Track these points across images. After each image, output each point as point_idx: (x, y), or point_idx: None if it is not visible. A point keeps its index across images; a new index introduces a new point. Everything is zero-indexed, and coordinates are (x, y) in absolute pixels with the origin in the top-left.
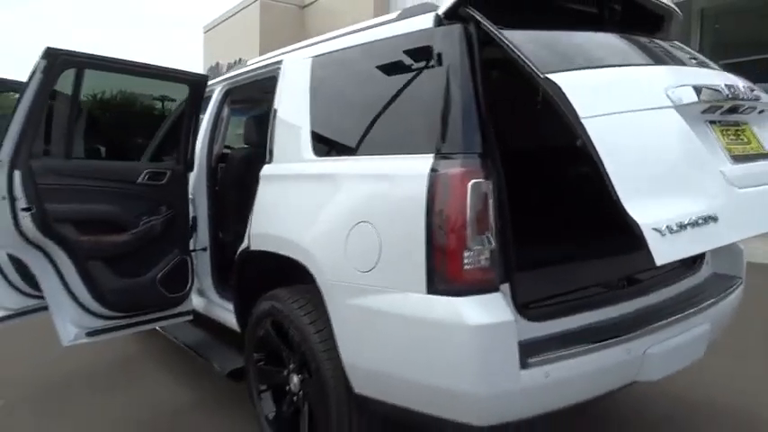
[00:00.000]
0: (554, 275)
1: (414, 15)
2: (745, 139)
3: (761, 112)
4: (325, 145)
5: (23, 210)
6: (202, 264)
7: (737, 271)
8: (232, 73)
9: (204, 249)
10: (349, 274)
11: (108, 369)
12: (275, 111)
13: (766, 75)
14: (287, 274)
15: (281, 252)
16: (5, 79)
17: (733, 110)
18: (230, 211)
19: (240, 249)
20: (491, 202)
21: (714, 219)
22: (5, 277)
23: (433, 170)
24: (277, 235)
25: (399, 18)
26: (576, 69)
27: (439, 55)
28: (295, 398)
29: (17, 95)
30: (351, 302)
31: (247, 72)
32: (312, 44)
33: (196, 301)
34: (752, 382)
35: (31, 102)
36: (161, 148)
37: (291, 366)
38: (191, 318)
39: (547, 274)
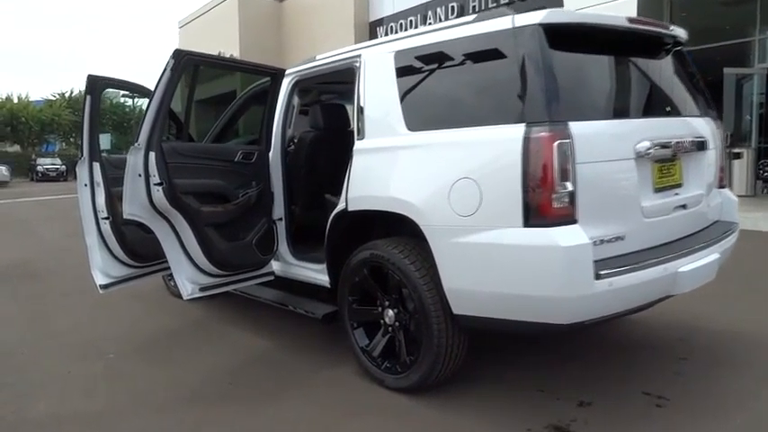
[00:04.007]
0: None
1: (490, 18)
2: (672, 173)
3: (693, 150)
4: (418, 121)
5: (156, 185)
6: (279, 232)
7: (734, 218)
8: (300, 66)
9: (280, 219)
10: (452, 219)
11: (188, 329)
12: (361, 96)
13: (728, 59)
14: (379, 228)
15: (385, 209)
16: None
17: (673, 156)
18: (303, 186)
19: (335, 212)
20: (570, 157)
21: (622, 238)
22: (109, 249)
23: (526, 135)
24: (379, 195)
25: (477, 20)
26: (586, 120)
27: (522, 48)
28: (390, 328)
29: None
30: (453, 240)
31: (318, 65)
32: (389, 41)
33: (274, 265)
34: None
35: (161, 94)
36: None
37: (387, 303)
38: (273, 278)
39: None
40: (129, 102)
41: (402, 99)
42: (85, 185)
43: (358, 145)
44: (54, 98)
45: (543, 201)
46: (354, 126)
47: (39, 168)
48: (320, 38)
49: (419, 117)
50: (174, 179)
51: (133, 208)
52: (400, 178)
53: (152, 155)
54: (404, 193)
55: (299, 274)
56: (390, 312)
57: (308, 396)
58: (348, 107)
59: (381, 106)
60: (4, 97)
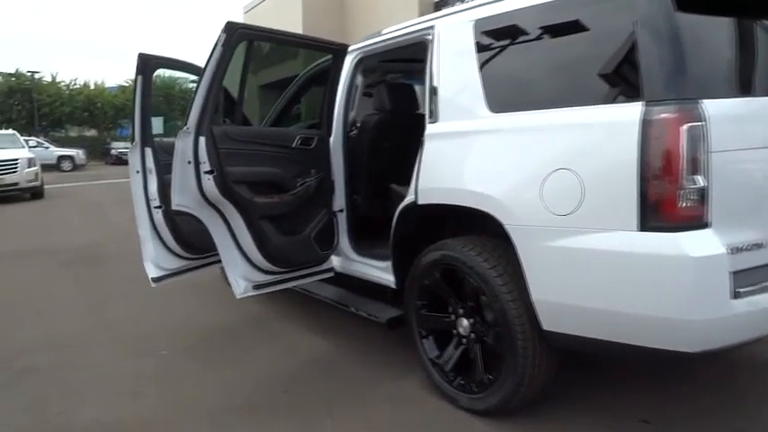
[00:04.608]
0: None
1: None
2: None
3: None
4: (503, 101)
5: (206, 173)
6: (339, 224)
7: None
8: (364, 42)
9: (341, 211)
10: (545, 218)
11: (244, 326)
12: (434, 73)
13: None
14: (453, 224)
15: (461, 204)
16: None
17: None
18: (366, 174)
19: (403, 205)
20: (702, 144)
21: (761, 245)
22: (162, 240)
23: (646, 116)
24: (454, 188)
25: None
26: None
27: (638, 7)
28: (464, 340)
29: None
30: (546, 244)
31: (384, 40)
32: (467, 9)
33: (333, 261)
34: None
35: (212, 73)
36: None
37: (461, 311)
38: (332, 274)
39: None
40: None
41: (483, 76)
42: (137, 172)
43: (430, 129)
44: (127, 84)
45: (666, 199)
46: (426, 108)
47: (113, 152)
48: (383, 18)
49: (504, 96)
50: (226, 167)
51: (182, 198)
52: (481, 168)
53: (202, 140)
54: (485, 185)
55: (361, 272)
56: (465, 322)
57: (369, 413)
58: (417, 88)
59: (458, 84)
60: (81, 84)
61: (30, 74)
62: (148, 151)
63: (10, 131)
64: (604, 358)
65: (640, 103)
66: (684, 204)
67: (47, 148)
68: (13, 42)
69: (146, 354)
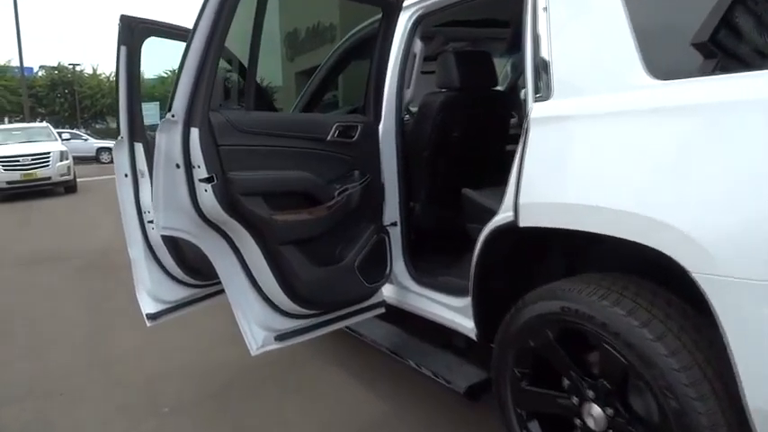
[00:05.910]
0: None
1: None
2: None
3: None
4: (678, 59)
5: (203, 181)
6: (392, 243)
7: None
8: None
9: (394, 224)
10: None
11: (273, 368)
12: (539, 27)
13: None
14: (573, 256)
15: (606, 233)
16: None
17: None
18: (428, 174)
19: (495, 225)
20: None
21: None
22: (160, 264)
23: None
24: (588, 205)
25: None
26: None
27: None
28: None
29: None
30: None
31: None
32: None
33: (384, 290)
34: None
35: (207, 35)
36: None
37: (591, 394)
38: (383, 311)
39: None
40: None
41: (636, 20)
42: (126, 176)
43: (538, 111)
44: (166, 75)
45: None
46: (528, 80)
47: None
48: None
49: (679, 51)
50: (230, 172)
51: (169, 218)
52: (642, 174)
53: (195, 133)
54: (653, 204)
55: (423, 309)
56: (597, 410)
57: None
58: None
59: (586, 40)
60: None
61: (71, 66)
62: (139, 148)
63: (43, 124)
64: None
65: None
66: None
67: (86, 140)
68: (57, 36)
69: (143, 409)
